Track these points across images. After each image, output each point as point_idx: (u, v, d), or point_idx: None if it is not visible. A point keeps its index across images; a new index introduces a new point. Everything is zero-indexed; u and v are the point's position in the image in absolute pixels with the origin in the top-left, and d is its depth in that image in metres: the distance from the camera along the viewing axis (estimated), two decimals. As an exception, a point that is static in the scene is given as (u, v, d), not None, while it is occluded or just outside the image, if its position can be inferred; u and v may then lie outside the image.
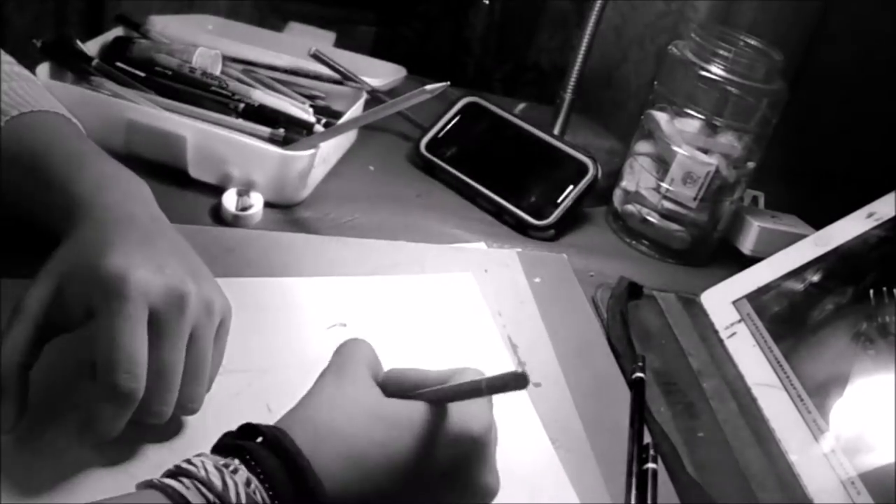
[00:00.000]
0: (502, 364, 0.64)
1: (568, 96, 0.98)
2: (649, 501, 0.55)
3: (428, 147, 0.93)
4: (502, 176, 0.90)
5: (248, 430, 0.42)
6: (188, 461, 0.39)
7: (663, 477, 0.58)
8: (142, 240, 0.50)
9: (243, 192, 0.75)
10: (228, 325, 0.52)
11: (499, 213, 0.88)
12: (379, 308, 0.67)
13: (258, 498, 0.38)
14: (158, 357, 0.45)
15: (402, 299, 0.68)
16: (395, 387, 0.46)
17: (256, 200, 0.75)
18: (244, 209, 0.74)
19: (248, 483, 0.38)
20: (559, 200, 0.87)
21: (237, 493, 0.38)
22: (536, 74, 1.23)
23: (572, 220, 0.89)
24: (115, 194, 0.53)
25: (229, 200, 0.74)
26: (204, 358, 0.48)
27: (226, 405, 0.54)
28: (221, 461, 0.39)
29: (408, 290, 0.69)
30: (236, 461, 0.40)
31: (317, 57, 0.90)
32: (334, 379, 0.45)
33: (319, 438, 0.41)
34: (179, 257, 0.51)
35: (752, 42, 0.84)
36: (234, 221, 0.74)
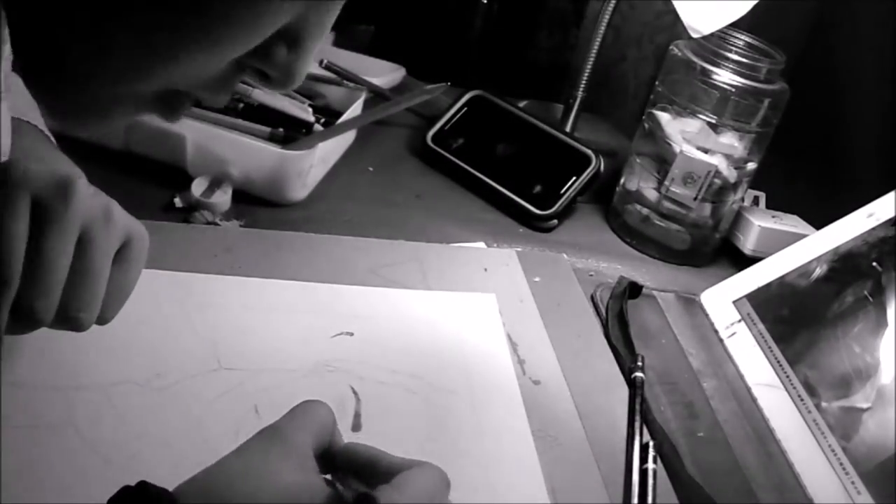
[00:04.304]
0: (507, 390, 0.62)
1: (580, 94, 0.99)
2: (649, 501, 0.55)
3: (434, 139, 0.93)
4: (506, 168, 0.91)
5: (143, 489, 0.38)
6: None
7: (663, 477, 0.58)
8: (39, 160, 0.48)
9: (215, 183, 0.75)
10: (140, 252, 0.48)
11: (502, 205, 0.88)
12: (389, 321, 0.66)
13: None
14: (37, 247, 0.42)
15: (416, 313, 0.67)
16: (345, 462, 0.43)
17: (225, 192, 0.75)
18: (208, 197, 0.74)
19: None
20: (562, 192, 0.88)
21: None
22: (535, 73, 1.23)
23: (574, 214, 0.90)
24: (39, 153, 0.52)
25: (197, 186, 0.74)
26: (94, 262, 0.44)
27: (213, 402, 0.54)
28: None
29: (425, 304, 0.69)
30: None
31: (329, 67, 0.90)
32: (264, 445, 0.41)
33: None
34: (80, 173, 0.48)
35: (754, 42, 0.84)
36: (195, 206, 0.73)
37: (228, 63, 0.38)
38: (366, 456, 0.43)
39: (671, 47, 0.86)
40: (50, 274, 0.43)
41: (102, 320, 0.46)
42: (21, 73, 0.38)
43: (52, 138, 0.59)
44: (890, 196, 0.73)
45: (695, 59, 0.83)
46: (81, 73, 0.36)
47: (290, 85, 0.41)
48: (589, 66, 0.98)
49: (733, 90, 0.81)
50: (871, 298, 0.68)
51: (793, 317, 0.72)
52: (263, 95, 0.83)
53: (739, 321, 0.75)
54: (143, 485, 0.37)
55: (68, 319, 0.44)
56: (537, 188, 0.89)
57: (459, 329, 0.67)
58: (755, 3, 0.78)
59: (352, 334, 0.63)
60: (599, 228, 0.92)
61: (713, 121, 0.83)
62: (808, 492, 0.61)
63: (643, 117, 0.89)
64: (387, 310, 0.67)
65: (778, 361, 0.70)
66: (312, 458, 0.41)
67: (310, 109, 0.84)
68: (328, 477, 0.41)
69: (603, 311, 0.74)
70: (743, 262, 0.84)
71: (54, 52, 0.36)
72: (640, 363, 0.67)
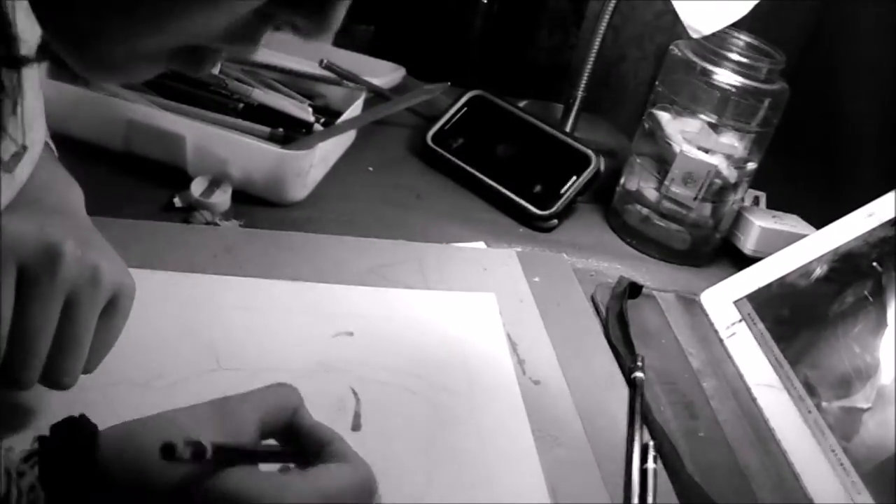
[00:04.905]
0: (507, 390, 0.62)
1: (580, 94, 0.99)
2: (649, 501, 0.55)
3: (434, 139, 0.93)
4: (506, 168, 0.91)
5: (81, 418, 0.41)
6: None
7: (663, 477, 0.58)
8: (39, 210, 0.47)
9: (214, 183, 0.75)
10: (127, 306, 0.48)
11: (502, 205, 0.88)
12: (389, 320, 0.66)
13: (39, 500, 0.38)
14: (22, 317, 0.43)
15: (416, 313, 0.67)
16: (310, 441, 0.45)
17: (225, 192, 0.75)
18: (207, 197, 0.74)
19: (31, 489, 0.37)
20: (562, 191, 0.88)
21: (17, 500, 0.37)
22: (535, 73, 1.23)
23: (574, 214, 0.90)
24: (37, 179, 0.51)
25: (197, 186, 0.74)
26: (79, 328, 0.45)
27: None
28: (25, 453, 0.39)
29: (425, 304, 0.69)
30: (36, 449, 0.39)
31: (329, 67, 0.90)
32: (207, 411, 0.43)
33: (124, 450, 0.40)
34: (74, 227, 0.48)
35: (754, 42, 0.84)
36: (195, 206, 0.73)
37: (249, 14, 0.36)
38: (324, 438, 0.44)
39: (671, 47, 0.86)
40: (35, 344, 0.43)
41: (85, 371, 0.47)
42: (46, 34, 0.37)
43: (52, 145, 0.58)
44: (890, 196, 0.73)
45: (695, 59, 0.83)
46: (94, 31, 0.35)
47: (324, 34, 0.38)
48: (589, 66, 0.98)
49: (733, 90, 0.81)
50: (871, 298, 0.68)
51: (793, 317, 0.72)
52: (263, 95, 0.83)
53: (739, 321, 0.75)
54: (82, 416, 0.40)
55: (52, 383, 0.45)
56: (537, 188, 0.88)
57: (459, 329, 0.67)
58: (755, 3, 0.77)
59: (352, 334, 0.63)
60: (599, 228, 0.92)
61: (713, 121, 0.83)
62: (808, 492, 0.61)
63: (643, 117, 0.89)
64: (387, 310, 0.67)
65: (778, 361, 0.70)
66: (252, 433, 0.43)
67: (310, 109, 0.84)
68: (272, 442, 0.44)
69: (603, 311, 0.74)
70: (743, 262, 0.84)
71: (65, 11, 0.35)
72: (640, 363, 0.67)
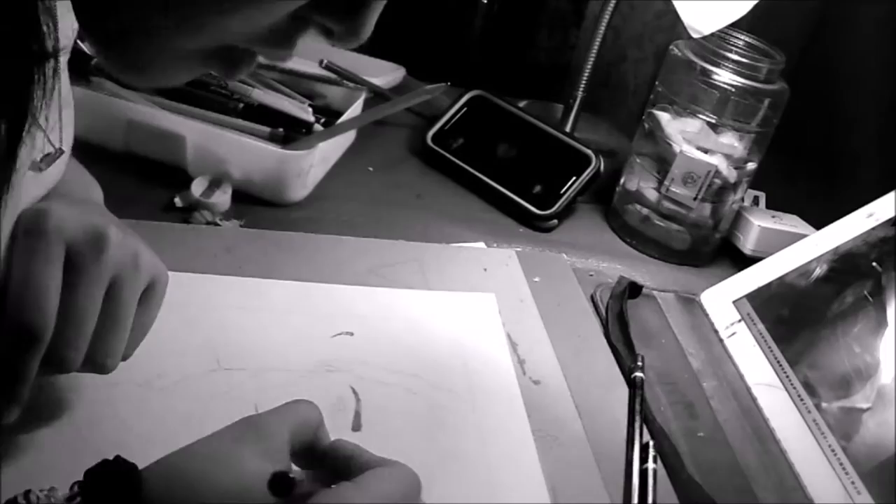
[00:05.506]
0: (507, 390, 0.62)
1: (580, 94, 0.99)
2: (649, 501, 0.55)
3: (434, 139, 0.93)
4: (506, 168, 0.91)
5: (116, 461, 0.40)
6: (27, 494, 0.38)
7: (663, 477, 0.58)
8: (72, 202, 0.48)
9: (215, 183, 0.75)
10: (162, 292, 0.50)
11: (502, 205, 0.88)
12: (389, 321, 0.66)
13: None
14: (70, 297, 0.43)
15: (416, 313, 0.67)
16: (331, 459, 0.44)
17: (225, 192, 0.75)
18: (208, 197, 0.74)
19: None
20: (562, 192, 0.88)
21: None
22: (535, 73, 1.23)
23: (574, 214, 0.90)
24: (66, 177, 0.52)
25: (197, 186, 0.74)
26: (122, 309, 0.46)
27: (212, 401, 0.54)
28: (67, 496, 0.39)
29: (425, 304, 0.69)
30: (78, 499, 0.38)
31: (329, 67, 0.90)
32: (238, 432, 0.43)
33: (170, 488, 0.39)
34: (109, 217, 0.50)
35: (754, 42, 0.84)
36: (195, 206, 0.73)
37: (285, 17, 0.36)
38: (346, 452, 0.44)
39: (671, 47, 0.86)
40: (81, 325, 0.44)
41: (124, 357, 0.48)
42: (84, 33, 0.37)
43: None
44: (890, 196, 0.73)
45: (695, 59, 0.83)
46: (134, 30, 0.35)
47: (355, 39, 0.38)
48: (589, 66, 0.98)
49: (733, 90, 0.81)
50: (871, 298, 0.68)
51: (793, 317, 0.72)
52: (263, 95, 0.83)
53: (739, 321, 0.75)
54: (117, 458, 0.39)
55: (95, 365, 0.46)
56: (537, 188, 0.89)
57: (459, 329, 0.67)
58: (755, 3, 0.77)
59: (352, 334, 0.63)
60: (599, 228, 0.92)
61: (713, 121, 0.83)
62: (808, 492, 0.61)
63: (643, 117, 0.89)
64: (387, 310, 0.67)
65: (778, 361, 0.70)
66: (286, 452, 0.42)
67: (310, 109, 0.84)
68: (301, 470, 0.43)
69: (603, 311, 0.74)
70: (743, 262, 0.84)
71: (106, 9, 0.35)
72: (640, 363, 0.67)
